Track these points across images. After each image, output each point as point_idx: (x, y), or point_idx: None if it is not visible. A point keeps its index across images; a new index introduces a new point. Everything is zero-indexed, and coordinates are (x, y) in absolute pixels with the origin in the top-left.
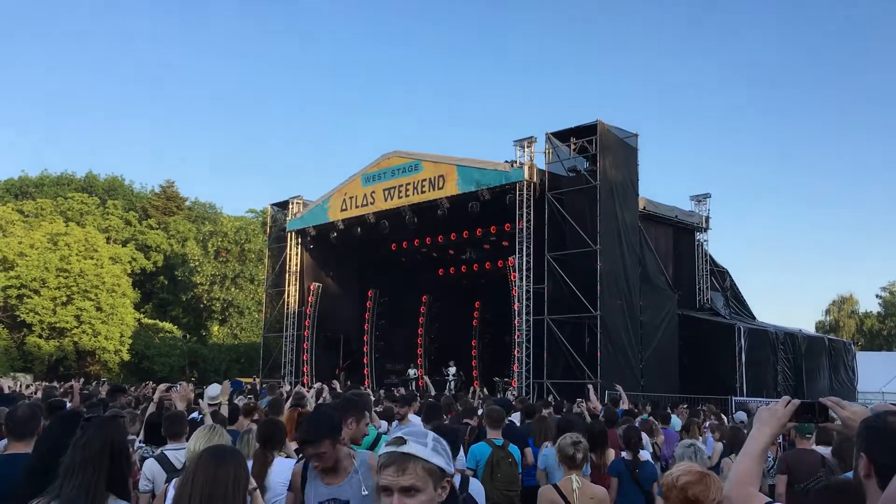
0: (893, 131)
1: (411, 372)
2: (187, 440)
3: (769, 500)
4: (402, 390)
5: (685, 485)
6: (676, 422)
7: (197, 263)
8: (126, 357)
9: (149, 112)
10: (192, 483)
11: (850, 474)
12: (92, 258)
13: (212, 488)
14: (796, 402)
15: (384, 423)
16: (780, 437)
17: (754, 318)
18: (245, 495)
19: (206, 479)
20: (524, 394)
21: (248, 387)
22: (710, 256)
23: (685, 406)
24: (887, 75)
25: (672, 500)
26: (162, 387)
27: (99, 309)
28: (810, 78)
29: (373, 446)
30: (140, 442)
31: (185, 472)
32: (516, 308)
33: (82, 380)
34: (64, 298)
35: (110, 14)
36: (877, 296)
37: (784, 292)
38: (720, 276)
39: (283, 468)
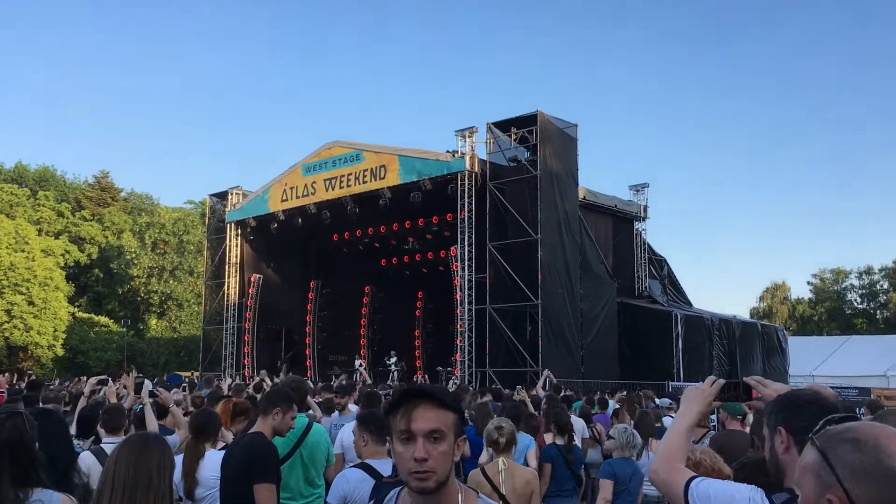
0: (825, 119)
1: (356, 363)
2: (126, 434)
3: (694, 474)
4: (342, 380)
5: None
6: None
7: (133, 256)
8: (60, 352)
9: (82, 100)
10: (114, 470)
11: None
12: (23, 251)
13: (135, 475)
14: (721, 381)
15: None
16: (715, 419)
17: (691, 305)
18: (170, 481)
19: (128, 466)
20: (466, 382)
21: (187, 381)
22: (649, 245)
23: (624, 392)
24: (817, 66)
25: None
26: (93, 380)
27: (31, 303)
28: (742, 68)
29: (304, 435)
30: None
31: (108, 459)
32: (458, 297)
33: (9, 374)
34: None
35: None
36: (808, 283)
37: (720, 280)
38: (658, 264)
39: (215, 461)
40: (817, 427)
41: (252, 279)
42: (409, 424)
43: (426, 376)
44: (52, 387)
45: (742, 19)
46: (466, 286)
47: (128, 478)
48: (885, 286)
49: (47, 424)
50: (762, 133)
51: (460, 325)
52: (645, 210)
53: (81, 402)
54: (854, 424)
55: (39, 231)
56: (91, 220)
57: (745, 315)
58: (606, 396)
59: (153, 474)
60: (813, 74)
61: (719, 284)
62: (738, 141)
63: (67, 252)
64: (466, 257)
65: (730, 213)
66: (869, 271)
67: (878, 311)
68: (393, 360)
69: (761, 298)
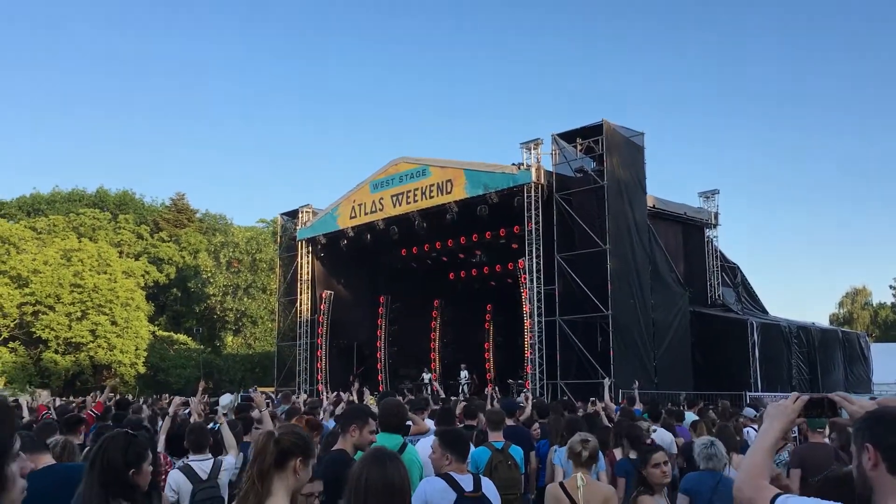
0: None
1: (425, 376)
2: (211, 451)
3: (779, 491)
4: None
5: None
6: (692, 419)
7: (209, 275)
8: (142, 370)
9: (158, 125)
10: (364, 484)
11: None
12: (105, 273)
13: (384, 486)
14: (805, 397)
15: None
16: (797, 432)
17: (766, 312)
18: (410, 496)
19: (377, 479)
20: (538, 395)
21: (265, 396)
22: (721, 252)
23: (704, 403)
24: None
25: None
26: (178, 400)
27: (114, 323)
28: (818, 70)
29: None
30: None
31: (353, 473)
32: (527, 310)
33: (97, 394)
34: (79, 313)
35: (116, 28)
36: (890, 287)
37: (797, 286)
38: (731, 271)
39: None
40: None
41: (323, 295)
42: None
43: (496, 389)
44: (140, 405)
45: (812, 20)
46: (535, 298)
47: (389, 488)
48: None
49: None
50: (835, 135)
51: (530, 338)
52: (716, 217)
53: (167, 423)
54: None
55: (120, 253)
56: (168, 241)
57: (824, 322)
58: (682, 408)
59: (403, 488)
60: (881, 71)
61: (796, 291)
62: (810, 143)
63: (147, 272)
64: (535, 269)
65: (805, 217)
66: None
67: None
68: (464, 373)
69: (841, 304)
